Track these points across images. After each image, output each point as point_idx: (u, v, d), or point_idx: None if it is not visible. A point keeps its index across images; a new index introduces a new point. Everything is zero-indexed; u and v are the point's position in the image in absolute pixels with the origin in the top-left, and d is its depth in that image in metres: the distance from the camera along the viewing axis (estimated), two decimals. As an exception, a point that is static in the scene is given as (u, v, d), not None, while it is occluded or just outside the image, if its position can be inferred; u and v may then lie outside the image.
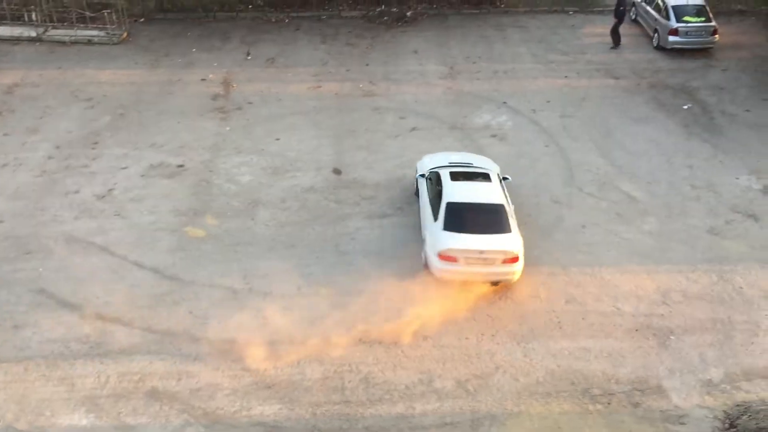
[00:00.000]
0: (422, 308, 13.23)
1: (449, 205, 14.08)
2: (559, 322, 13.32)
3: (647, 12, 25.22)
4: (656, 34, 24.40)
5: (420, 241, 14.65)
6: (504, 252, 13.50)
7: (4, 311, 13.28)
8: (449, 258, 13.46)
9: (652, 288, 14.11)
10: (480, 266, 13.52)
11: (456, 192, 14.40)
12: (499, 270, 13.59)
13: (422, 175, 15.79)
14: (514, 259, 13.57)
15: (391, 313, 13.21)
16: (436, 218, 14.11)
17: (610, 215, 16.19)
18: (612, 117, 20.23)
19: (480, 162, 16.44)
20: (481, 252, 13.40)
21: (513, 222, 14.12)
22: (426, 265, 13.96)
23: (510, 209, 14.40)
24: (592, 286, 14.13)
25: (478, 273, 13.59)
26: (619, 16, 24.22)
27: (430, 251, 13.74)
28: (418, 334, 12.89)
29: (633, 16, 26.41)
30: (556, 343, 12.89)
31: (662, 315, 13.50)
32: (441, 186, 14.63)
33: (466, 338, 12.93)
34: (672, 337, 13.04)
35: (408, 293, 13.52)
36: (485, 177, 15.24)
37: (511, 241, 13.69)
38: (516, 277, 13.74)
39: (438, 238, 13.72)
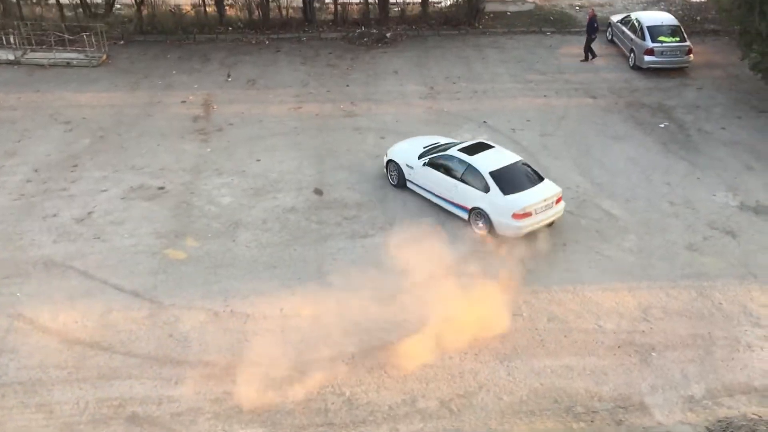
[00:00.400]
0: (405, 330, 13.19)
1: (493, 173, 16.03)
2: (541, 340, 13.34)
3: (623, 32, 25.61)
4: (632, 54, 24.77)
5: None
6: (556, 193, 16.04)
7: (-20, 337, 13.07)
8: (525, 215, 15.54)
9: (634, 305, 14.20)
10: (545, 212, 15.84)
11: (485, 162, 16.34)
12: (556, 210, 16.11)
13: (424, 164, 17.05)
14: (560, 198, 16.17)
15: (373, 335, 13.18)
16: (486, 190, 15.92)
17: (591, 233, 16.31)
18: (591, 135, 20.45)
19: (452, 140, 18.39)
20: (545, 200, 15.77)
21: None
22: (489, 230, 15.93)
23: None
24: (573, 304, 14.19)
25: (544, 219, 15.90)
26: (591, 32, 24.76)
27: (501, 217, 15.67)
28: (399, 355, 12.84)
29: (609, 37, 26.82)
30: (540, 361, 12.90)
31: (643, 331, 13.57)
32: (462, 165, 16.41)
33: (450, 357, 12.90)
34: (654, 354, 13.10)
35: (389, 315, 13.48)
36: (487, 146, 17.12)
37: (552, 184, 16.32)
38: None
39: (505, 203, 15.65)
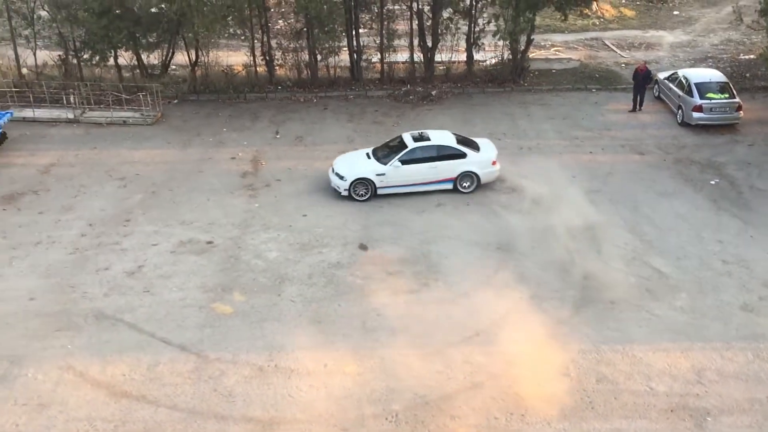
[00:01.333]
0: (450, 388, 13.01)
1: (458, 143, 20.20)
2: (590, 402, 12.98)
3: (670, 89, 25.50)
4: (680, 111, 24.59)
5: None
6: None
7: (30, 389, 13.31)
8: (496, 162, 20.35)
9: (686, 366, 13.75)
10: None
11: (444, 139, 20.35)
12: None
13: (397, 166, 19.70)
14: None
15: (417, 393, 13.03)
16: (464, 156, 19.90)
17: (640, 291, 15.97)
18: (639, 192, 20.21)
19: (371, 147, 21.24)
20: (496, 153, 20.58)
21: None
22: (475, 184, 20.06)
23: None
24: (623, 365, 13.82)
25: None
26: (637, 80, 25.43)
27: (485, 169, 20.10)
28: (445, 414, 12.64)
29: (656, 93, 26.71)
30: (588, 423, 12.53)
31: (698, 395, 13.11)
32: (431, 149, 19.92)
33: (495, 418, 12.63)
34: (709, 419, 12.61)
35: (433, 372, 13.33)
36: (424, 134, 20.58)
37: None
38: None
39: (482, 157, 20.26)
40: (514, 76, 28.45)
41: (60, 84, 26.90)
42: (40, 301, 15.81)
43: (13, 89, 26.25)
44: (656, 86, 26.72)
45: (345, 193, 19.69)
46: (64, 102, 26.08)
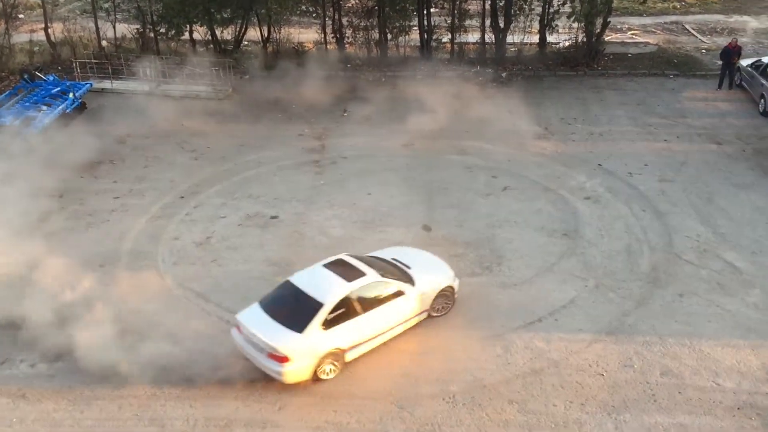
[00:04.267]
0: (510, 372, 12.95)
1: None
2: (653, 395, 12.70)
3: (753, 77, 24.45)
4: (763, 100, 23.57)
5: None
6: None
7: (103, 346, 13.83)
8: None
9: (757, 364, 13.29)
10: None
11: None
12: None
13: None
14: None
15: (476, 376, 13.01)
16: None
17: (711, 285, 15.47)
18: (714, 183, 19.52)
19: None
20: None
21: None
22: None
23: None
24: (689, 359, 13.45)
25: None
26: (726, 57, 25.08)
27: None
28: (503, 398, 12.59)
29: (738, 81, 25.67)
30: (650, 417, 12.27)
31: (767, 393, 12.66)
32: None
33: (554, 405, 12.50)
34: (778, 419, 12.20)
35: (493, 356, 13.28)
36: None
37: None
38: None
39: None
40: (587, 60, 27.76)
41: (137, 57, 27.62)
42: (110, 268, 16.33)
43: (93, 61, 27.09)
44: (738, 73, 25.67)
45: None
46: (141, 74, 26.78)
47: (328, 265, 13.91)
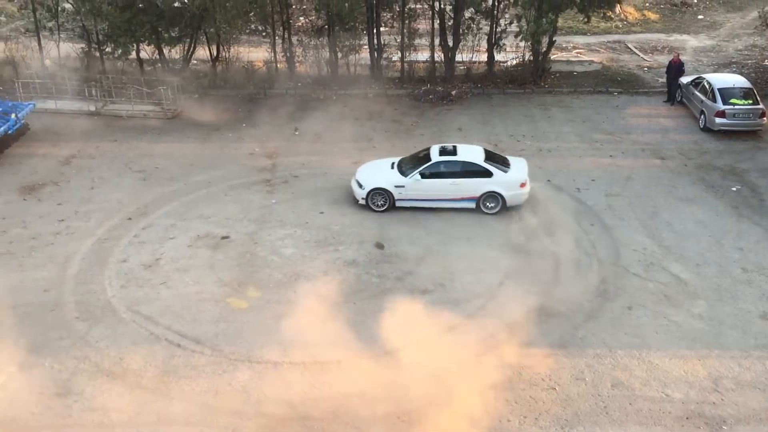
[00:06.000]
0: (460, 393, 12.97)
1: (486, 161, 19.11)
2: (605, 407, 12.88)
3: (693, 94, 25.26)
4: (703, 116, 24.35)
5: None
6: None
7: (47, 378, 13.42)
8: (525, 184, 18.99)
9: (703, 374, 13.60)
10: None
11: (471, 156, 19.28)
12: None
13: (417, 179, 18.96)
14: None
15: (431, 393, 12.99)
16: (489, 175, 18.76)
17: (658, 297, 15.82)
18: (659, 197, 20.03)
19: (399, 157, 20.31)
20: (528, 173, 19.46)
21: None
22: (501, 206, 18.98)
23: None
24: (639, 370, 13.69)
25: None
26: (670, 72, 26.45)
27: (511, 191, 18.82)
28: (457, 414, 12.59)
29: (679, 98, 26.48)
30: (603, 429, 12.43)
31: (714, 403, 12.96)
32: (455, 164, 19.01)
33: (508, 420, 12.57)
34: (725, 427, 12.46)
35: (446, 373, 13.29)
36: (452, 147, 19.80)
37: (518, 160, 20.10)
38: None
39: (511, 178, 18.95)
40: (535, 78, 28.32)
41: (82, 76, 27.09)
42: (57, 291, 15.94)
43: (36, 81, 26.47)
44: (679, 91, 26.48)
45: (362, 202, 19.14)
46: (86, 94, 26.28)
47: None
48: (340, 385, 13.24)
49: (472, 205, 18.94)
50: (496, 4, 28.15)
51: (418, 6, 29.59)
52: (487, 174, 18.77)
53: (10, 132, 22.61)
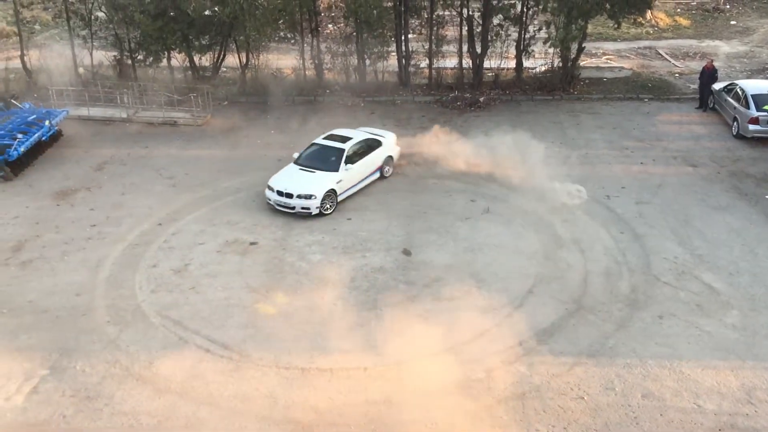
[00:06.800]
0: (490, 398, 12.88)
1: (373, 134, 21.37)
2: (635, 418, 12.70)
3: (726, 101, 24.90)
4: (735, 123, 23.98)
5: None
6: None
7: (78, 381, 13.60)
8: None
9: (736, 385, 13.35)
10: None
11: (364, 135, 21.13)
12: None
13: (346, 168, 19.77)
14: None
15: (458, 401, 12.92)
16: (380, 144, 20.97)
17: (690, 306, 15.58)
18: (691, 205, 19.74)
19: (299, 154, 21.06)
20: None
21: None
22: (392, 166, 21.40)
23: None
24: (670, 381, 13.48)
25: None
26: (703, 79, 26.03)
27: (393, 151, 21.47)
28: (485, 424, 12.50)
29: (711, 104, 26.12)
30: (633, 440, 12.27)
31: (747, 415, 12.71)
32: (362, 143, 20.57)
33: (536, 430, 12.44)
34: (759, 440, 12.22)
35: (474, 381, 13.21)
36: (342, 135, 21.15)
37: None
38: None
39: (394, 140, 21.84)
40: (563, 84, 28.13)
41: (114, 84, 27.52)
42: (88, 296, 16.16)
43: (70, 88, 26.96)
44: (711, 97, 26.12)
45: (316, 211, 19.02)
46: (118, 101, 26.68)
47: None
48: (367, 392, 13.23)
49: (378, 175, 20.82)
50: (525, 10, 28.03)
51: (446, 13, 29.58)
52: (380, 142, 21.02)
53: (44, 138, 23.04)
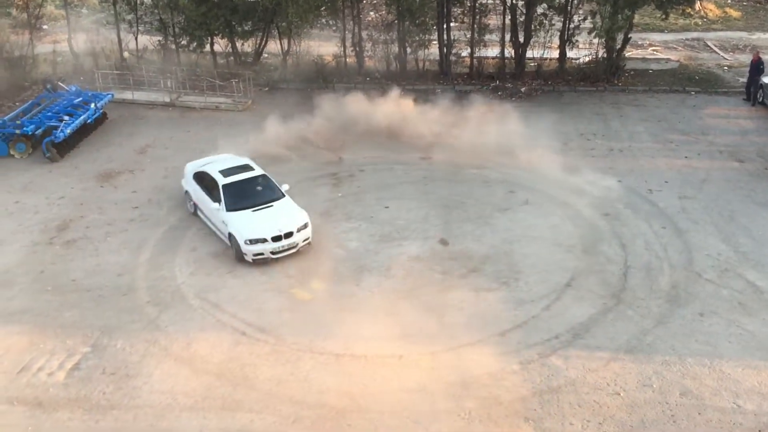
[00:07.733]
0: (526, 389, 12.81)
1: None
2: (672, 416, 12.51)
3: (775, 94, 24.27)
4: (785, 117, 23.37)
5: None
6: None
7: (119, 359, 13.88)
8: None
9: (778, 386, 13.08)
10: None
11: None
12: None
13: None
14: None
15: (491, 392, 12.88)
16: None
17: (732, 304, 15.25)
18: (736, 201, 19.30)
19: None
20: None
21: None
22: None
23: None
24: (710, 380, 13.24)
25: None
26: (755, 74, 25.35)
27: None
28: (519, 416, 12.45)
29: (760, 98, 25.45)
30: (669, 437, 12.09)
31: (789, 417, 12.44)
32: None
33: (570, 424, 12.34)
34: (801, 443, 11.95)
35: (509, 371, 13.14)
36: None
37: None
38: None
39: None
40: (608, 76, 27.68)
41: (158, 68, 27.87)
42: (130, 276, 16.45)
43: (115, 72, 27.40)
44: (760, 91, 25.44)
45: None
46: (162, 86, 27.02)
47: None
48: (400, 379, 13.26)
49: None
50: (570, -1, 27.62)
51: (489, 1, 29.29)
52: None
53: (89, 121, 23.47)
